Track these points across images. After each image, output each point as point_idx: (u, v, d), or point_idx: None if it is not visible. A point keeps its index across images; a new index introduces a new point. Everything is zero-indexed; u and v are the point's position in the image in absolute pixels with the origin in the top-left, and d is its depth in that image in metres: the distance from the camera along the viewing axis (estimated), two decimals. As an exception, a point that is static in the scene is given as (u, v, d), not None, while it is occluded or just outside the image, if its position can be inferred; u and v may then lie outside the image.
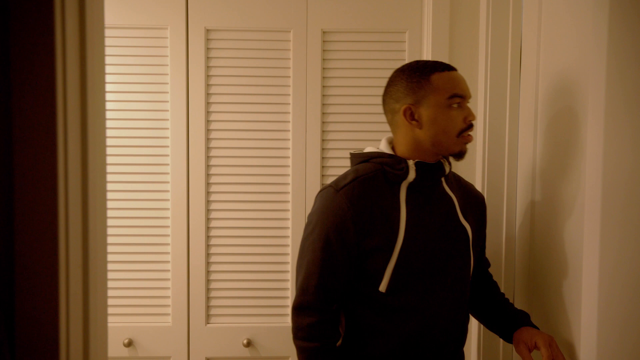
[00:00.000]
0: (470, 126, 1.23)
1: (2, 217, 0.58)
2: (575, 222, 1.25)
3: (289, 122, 1.80)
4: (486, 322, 1.43)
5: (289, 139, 1.81)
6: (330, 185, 1.25)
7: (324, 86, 1.80)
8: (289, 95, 1.80)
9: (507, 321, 1.35)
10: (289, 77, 1.79)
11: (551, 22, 1.40)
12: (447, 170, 1.28)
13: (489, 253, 1.68)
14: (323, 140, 1.81)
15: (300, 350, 1.22)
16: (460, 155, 1.25)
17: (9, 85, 0.57)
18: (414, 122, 1.23)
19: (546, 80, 1.42)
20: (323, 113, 1.80)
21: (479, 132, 1.71)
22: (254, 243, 1.81)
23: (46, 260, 0.58)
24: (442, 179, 1.29)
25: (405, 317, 1.22)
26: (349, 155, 1.79)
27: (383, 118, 1.79)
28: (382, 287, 1.21)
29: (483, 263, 1.45)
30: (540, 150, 1.46)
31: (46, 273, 0.58)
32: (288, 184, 1.81)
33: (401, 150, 1.27)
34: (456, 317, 1.28)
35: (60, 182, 0.58)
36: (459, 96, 1.21)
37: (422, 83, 1.22)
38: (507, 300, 1.43)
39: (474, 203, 1.37)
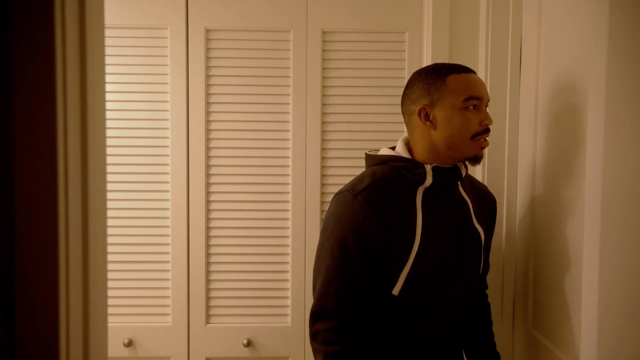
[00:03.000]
0: (486, 130, 1.20)
1: (2, 217, 0.58)
2: (576, 221, 1.25)
3: (289, 122, 1.80)
4: (466, 349, 1.44)
5: (289, 139, 1.80)
6: (347, 190, 1.22)
7: (324, 86, 1.80)
8: (289, 95, 1.80)
9: None
10: (289, 77, 1.79)
11: (551, 22, 1.40)
12: (464, 173, 1.26)
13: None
14: (323, 140, 1.81)
15: (319, 353, 1.19)
16: (476, 159, 1.22)
17: (9, 85, 0.57)
18: (428, 123, 1.21)
19: (546, 80, 1.42)
20: (323, 113, 1.80)
21: (479, 132, 1.71)
22: (254, 243, 1.81)
23: (46, 260, 0.58)
24: (458, 183, 1.27)
25: (416, 320, 1.22)
26: (349, 155, 1.79)
27: (383, 118, 1.80)
28: (395, 291, 1.19)
29: (486, 267, 1.45)
30: (540, 150, 1.46)
31: (46, 273, 0.58)
32: (288, 184, 1.81)
33: (418, 153, 1.24)
34: (463, 320, 1.29)
35: (60, 182, 0.58)
36: (476, 98, 1.18)
37: (438, 84, 1.19)
38: (492, 335, 1.45)
39: (487, 206, 1.37)
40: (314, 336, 1.21)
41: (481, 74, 1.68)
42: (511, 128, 1.63)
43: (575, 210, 1.25)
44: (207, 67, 1.78)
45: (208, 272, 1.81)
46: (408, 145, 1.28)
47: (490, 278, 1.65)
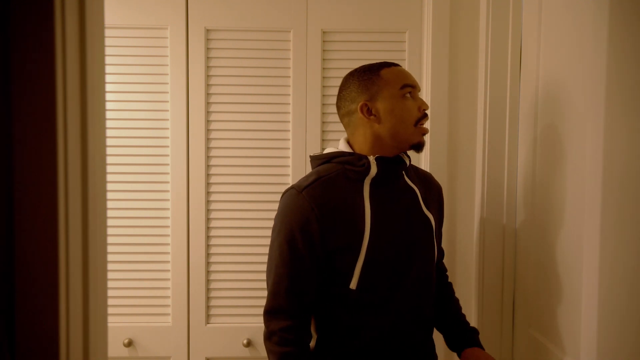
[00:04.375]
0: (425, 115, 1.26)
1: (2, 217, 0.58)
2: (576, 221, 1.25)
3: (289, 122, 1.80)
4: (437, 325, 1.44)
5: (289, 139, 1.81)
6: (292, 187, 1.25)
7: (324, 86, 1.80)
8: (289, 95, 1.80)
9: (458, 335, 1.39)
10: (289, 77, 1.79)
11: (551, 22, 1.40)
12: (408, 162, 1.30)
13: (489, 252, 1.68)
14: (323, 140, 1.81)
15: (272, 354, 1.21)
16: (419, 146, 1.27)
17: (9, 85, 0.57)
18: (372, 117, 1.25)
19: (546, 81, 1.42)
20: (323, 113, 1.80)
21: (479, 132, 1.71)
22: (254, 243, 1.81)
23: (46, 260, 0.58)
24: (403, 172, 1.31)
25: (377, 311, 1.23)
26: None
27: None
28: (353, 285, 1.21)
29: (440, 253, 1.46)
30: (540, 149, 1.46)
31: (46, 273, 0.58)
32: (288, 184, 1.80)
33: (360, 148, 1.28)
34: (425, 306, 1.31)
35: (60, 182, 0.58)
36: (410, 86, 1.25)
37: (374, 79, 1.25)
38: (460, 309, 1.45)
39: (434, 192, 1.40)
40: (269, 336, 1.22)
41: (481, 74, 1.69)
42: (511, 128, 1.63)
43: (575, 210, 1.26)
44: (207, 67, 1.78)
45: (208, 272, 1.81)
46: (350, 143, 1.33)
47: (491, 278, 1.65)
